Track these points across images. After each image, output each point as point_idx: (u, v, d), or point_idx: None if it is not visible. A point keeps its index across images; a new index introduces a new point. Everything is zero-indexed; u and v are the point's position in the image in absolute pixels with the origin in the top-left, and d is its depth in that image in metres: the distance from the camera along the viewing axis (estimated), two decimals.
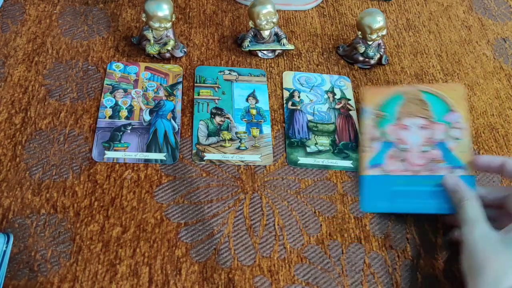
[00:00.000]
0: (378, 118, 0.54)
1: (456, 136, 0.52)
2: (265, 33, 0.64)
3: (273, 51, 0.65)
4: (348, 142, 0.58)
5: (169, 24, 0.60)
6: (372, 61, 0.65)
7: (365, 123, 0.55)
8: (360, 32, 0.64)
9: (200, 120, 0.58)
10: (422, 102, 0.54)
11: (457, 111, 0.54)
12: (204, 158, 0.54)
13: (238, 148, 0.56)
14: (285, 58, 0.66)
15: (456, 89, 0.55)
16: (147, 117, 0.57)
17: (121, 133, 0.55)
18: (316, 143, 0.57)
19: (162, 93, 0.59)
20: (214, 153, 0.55)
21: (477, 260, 0.42)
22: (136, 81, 0.60)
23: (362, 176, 0.52)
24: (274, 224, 0.51)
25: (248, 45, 0.64)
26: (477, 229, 0.44)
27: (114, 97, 0.58)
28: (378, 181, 0.51)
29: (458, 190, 0.48)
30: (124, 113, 0.57)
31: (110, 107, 0.57)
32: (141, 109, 0.58)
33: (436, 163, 0.51)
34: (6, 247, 0.44)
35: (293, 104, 0.61)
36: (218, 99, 0.60)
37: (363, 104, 0.56)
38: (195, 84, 0.61)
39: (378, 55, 0.65)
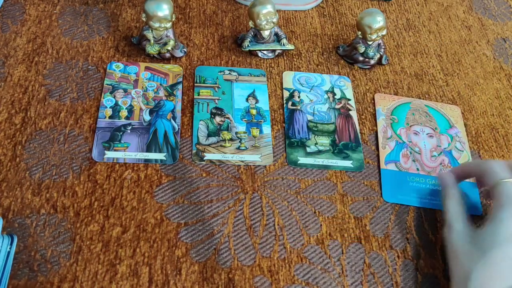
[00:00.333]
0: (390, 121, 0.60)
1: (459, 148, 0.59)
2: (265, 33, 0.64)
3: (273, 51, 0.65)
4: (348, 142, 0.58)
5: (169, 24, 0.60)
6: (372, 61, 0.65)
7: (380, 123, 0.60)
8: (360, 32, 0.64)
9: (200, 120, 0.58)
10: (428, 115, 0.62)
11: (457, 127, 0.61)
12: (204, 158, 0.54)
13: (238, 148, 0.56)
14: (285, 58, 0.66)
15: (454, 109, 0.63)
16: (147, 117, 0.57)
17: (121, 133, 0.55)
18: (316, 143, 0.57)
19: (162, 93, 0.59)
20: (214, 153, 0.55)
21: (452, 256, 0.46)
22: (136, 81, 0.60)
23: (382, 169, 0.56)
24: (274, 224, 0.51)
25: (248, 45, 0.64)
26: (454, 229, 0.47)
27: (114, 97, 0.58)
28: (397, 176, 0.56)
29: (442, 188, 0.52)
30: (124, 113, 0.57)
31: (110, 107, 0.57)
32: (141, 109, 0.58)
33: (446, 168, 0.57)
34: (10, 248, 0.44)
35: (293, 104, 0.61)
36: (218, 99, 0.60)
37: (376, 106, 0.62)
38: (195, 84, 0.61)
39: (378, 55, 0.65)
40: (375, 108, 0.62)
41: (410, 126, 0.60)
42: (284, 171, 0.55)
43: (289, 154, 0.56)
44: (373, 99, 0.63)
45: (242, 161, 0.55)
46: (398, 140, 0.59)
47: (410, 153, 0.58)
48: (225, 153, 0.55)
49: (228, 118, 0.58)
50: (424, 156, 0.58)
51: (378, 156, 0.57)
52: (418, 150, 0.58)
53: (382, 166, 0.56)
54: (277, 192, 0.53)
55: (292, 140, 0.57)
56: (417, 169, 0.56)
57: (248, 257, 0.48)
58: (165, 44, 0.61)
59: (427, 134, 0.60)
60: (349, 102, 0.62)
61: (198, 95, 0.60)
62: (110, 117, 0.56)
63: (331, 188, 0.54)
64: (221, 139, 0.56)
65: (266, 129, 0.58)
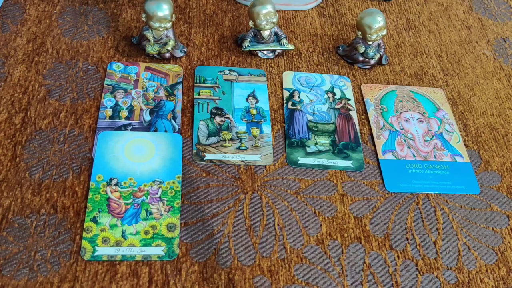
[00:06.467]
0: (380, 110, 0.61)
1: (448, 130, 0.61)
2: (265, 33, 0.64)
3: (273, 51, 0.65)
4: (348, 142, 0.58)
5: (169, 24, 0.60)
6: (372, 61, 0.65)
7: (370, 114, 0.61)
8: (360, 32, 0.64)
9: (200, 120, 0.58)
10: (415, 100, 0.63)
11: (443, 109, 0.63)
12: (205, 158, 0.54)
13: (239, 148, 0.56)
14: (285, 58, 0.66)
15: (438, 92, 0.65)
16: (147, 117, 0.57)
17: None
18: (316, 143, 0.57)
19: (162, 93, 0.59)
20: (214, 153, 0.55)
21: None
22: (136, 81, 0.60)
23: (381, 160, 0.57)
24: (274, 224, 0.51)
25: (248, 45, 0.64)
26: None
27: (115, 97, 0.58)
28: (396, 165, 0.57)
29: None
30: (124, 113, 0.57)
31: (111, 107, 0.57)
32: (141, 109, 0.58)
33: (439, 151, 0.58)
34: None
35: (293, 104, 0.61)
36: (218, 99, 0.60)
37: (364, 97, 0.63)
38: (195, 84, 0.61)
39: (378, 55, 0.65)
40: (363, 99, 0.62)
41: (400, 114, 0.61)
42: (284, 171, 0.55)
43: (289, 154, 0.56)
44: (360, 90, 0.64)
45: (243, 161, 0.55)
46: (390, 129, 0.60)
47: (404, 140, 0.59)
48: (225, 153, 0.55)
49: (228, 118, 0.58)
50: (418, 142, 0.59)
51: (375, 147, 0.57)
52: (411, 136, 0.59)
53: (380, 157, 0.57)
54: (277, 192, 0.53)
55: (292, 140, 0.57)
56: (413, 155, 0.57)
57: (248, 257, 0.48)
58: (165, 44, 0.61)
59: (417, 119, 0.61)
60: (349, 102, 0.62)
61: (198, 95, 0.60)
62: (110, 117, 0.56)
63: (331, 188, 0.54)
64: (221, 139, 0.56)
65: (266, 129, 0.58)
